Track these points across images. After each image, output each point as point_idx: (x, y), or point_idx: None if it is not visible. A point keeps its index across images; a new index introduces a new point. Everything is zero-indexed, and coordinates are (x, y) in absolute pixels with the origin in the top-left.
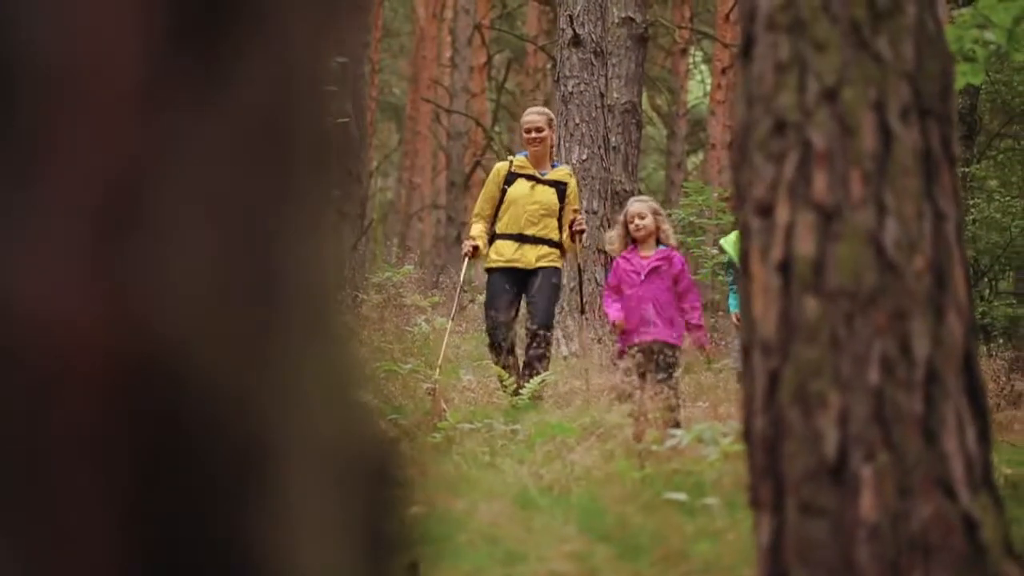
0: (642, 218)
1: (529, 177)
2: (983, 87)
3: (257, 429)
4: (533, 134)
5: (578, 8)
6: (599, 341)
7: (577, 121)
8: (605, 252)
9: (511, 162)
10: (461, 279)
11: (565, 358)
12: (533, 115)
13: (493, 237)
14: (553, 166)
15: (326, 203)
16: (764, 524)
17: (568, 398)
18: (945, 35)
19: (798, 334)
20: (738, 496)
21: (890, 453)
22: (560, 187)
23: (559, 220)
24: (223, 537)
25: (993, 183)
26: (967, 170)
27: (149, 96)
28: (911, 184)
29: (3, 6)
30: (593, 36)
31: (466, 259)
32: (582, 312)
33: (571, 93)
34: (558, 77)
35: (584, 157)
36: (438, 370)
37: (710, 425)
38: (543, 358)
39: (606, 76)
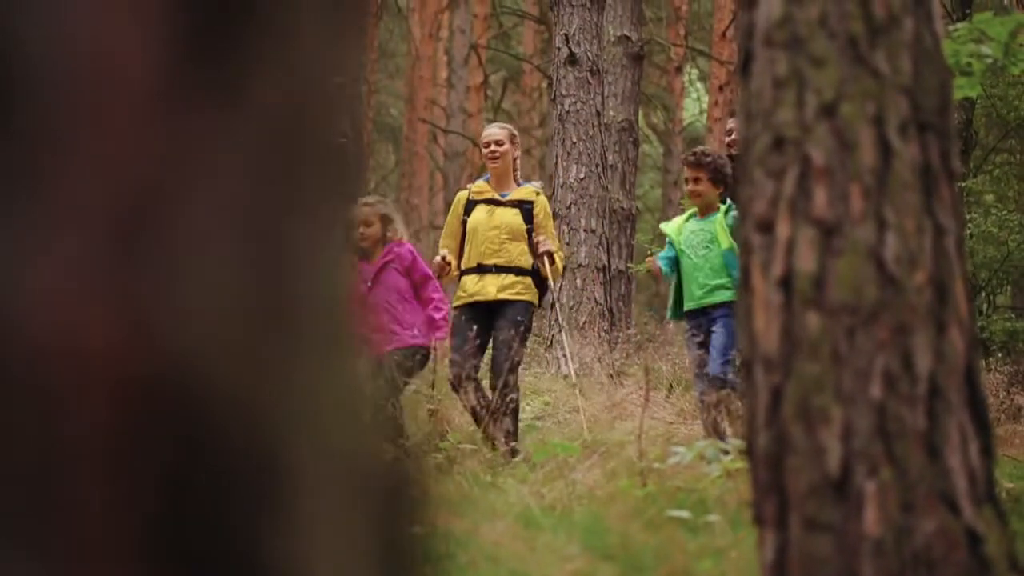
0: (368, 225)
1: (488, 201)
2: (978, 101)
3: (273, 444)
4: (492, 147)
5: (574, 27)
6: (599, 360)
7: (574, 140)
8: (604, 270)
9: (469, 189)
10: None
11: (565, 377)
12: (493, 128)
13: (461, 274)
14: (519, 185)
15: (340, 215)
16: (768, 540)
17: (569, 417)
18: (943, 49)
19: (800, 349)
20: (741, 513)
21: (893, 468)
22: (525, 207)
23: (531, 244)
24: (240, 553)
25: (989, 197)
26: (963, 185)
27: (162, 104)
28: (911, 199)
29: (14, 10)
30: (589, 55)
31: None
32: (549, 346)
33: (568, 112)
34: (555, 96)
35: (582, 176)
36: (434, 390)
37: (712, 442)
38: (514, 413)
39: (602, 95)
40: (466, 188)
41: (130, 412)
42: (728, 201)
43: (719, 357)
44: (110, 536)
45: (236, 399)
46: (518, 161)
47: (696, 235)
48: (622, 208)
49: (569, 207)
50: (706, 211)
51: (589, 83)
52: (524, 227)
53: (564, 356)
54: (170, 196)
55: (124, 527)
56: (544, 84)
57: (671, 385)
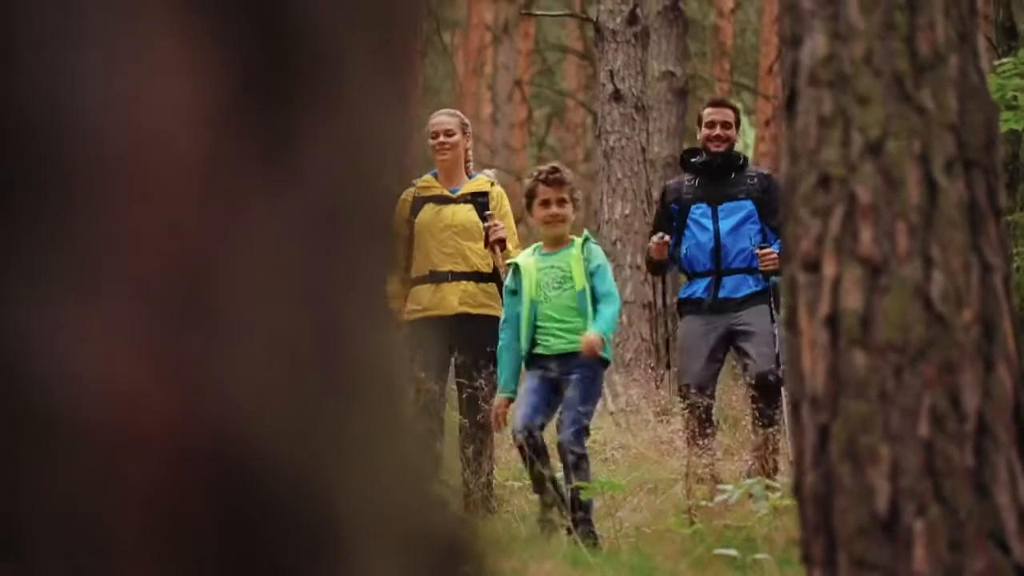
0: None
1: (436, 199)
2: None
3: (327, 513)
4: (442, 138)
5: (618, 63)
6: (645, 397)
7: (619, 176)
8: (650, 307)
9: (415, 186)
10: None
11: (612, 414)
12: (442, 116)
13: (412, 283)
14: (470, 177)
15: (388, 279)
16: None
17: (615, 455)
18: (988, 85)
19: (847, 388)
20: (789, 552)
21: (942, 507)
22: (479, 200)
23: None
24: None
25: None
26: (1010, 219)
27: (212, 174)
28: (957, 236)
29: (57, 81)
30: (634, 91)
31: None
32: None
33: (613, 148)
34: (599, 132)
35: (627, 212)
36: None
37: (759, 480)
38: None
39: (647, 130)
40: (411, 185)
41: (182, 485)
42: (585, 233)
43: (571, 424)
44: None
45: (289, 470)
46: (470, 152)
47: (547, 273)
48: None
49: (614, 243)
50: (557, 244)
51: (634, 119)
52: (479, 224)
53: (610, 393)
54: (219, 267)
55: None
56: (588, 120)
57: (718, 422)
